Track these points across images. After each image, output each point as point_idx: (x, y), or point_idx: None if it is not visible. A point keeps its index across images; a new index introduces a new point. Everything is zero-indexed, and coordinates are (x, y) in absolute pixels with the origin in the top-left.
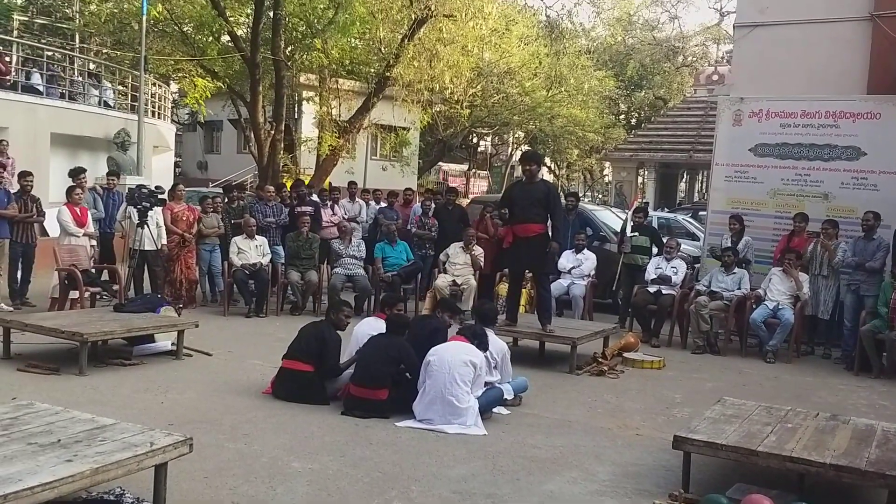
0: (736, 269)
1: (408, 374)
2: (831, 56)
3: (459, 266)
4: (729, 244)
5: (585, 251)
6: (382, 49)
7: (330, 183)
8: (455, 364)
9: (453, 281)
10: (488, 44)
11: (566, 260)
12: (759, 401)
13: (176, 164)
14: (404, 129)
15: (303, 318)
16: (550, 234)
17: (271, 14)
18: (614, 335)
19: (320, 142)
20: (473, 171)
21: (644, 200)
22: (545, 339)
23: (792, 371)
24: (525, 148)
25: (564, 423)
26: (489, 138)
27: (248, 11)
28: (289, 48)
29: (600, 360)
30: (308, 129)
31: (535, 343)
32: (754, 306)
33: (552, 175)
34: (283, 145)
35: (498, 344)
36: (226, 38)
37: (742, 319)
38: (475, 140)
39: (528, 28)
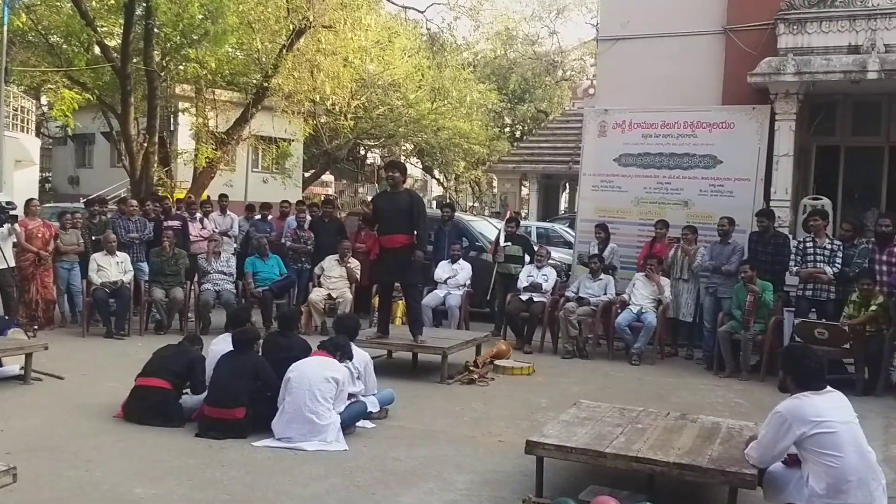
0: (602, 276)
1: (268, 393)
2: (689, 68)
3: (335, 279)
4: (595, 252)
5: (461, 261)
6: (261, 59)
7: (208, 196)
8: (316, 380)
9: (328, 294)
10: (371, 56)
11: (442, 270)
12: (623, 402)
13: (46, 180)
14: (285, 140)
15: (168, 338)
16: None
17: (145, 24)
18: (487, 343)
19: (197, 154)
20: (362, 182)
21: (516, 211)
22: (416, 349)
23: (655, 372)
24: (414, 160)
25: (429, 433)
26: (377, 151)
27: (120, 21)
28: (165, 58)
29: (472, 368)
30: (185, 141)
31: (409, 354)
32: (619, 311)
33: (441, 187)
34: (157, 158)
35: (360, 354)
36: (96, 48)
37: (608, 324)
38: (363, 152)
39: (410, 40)
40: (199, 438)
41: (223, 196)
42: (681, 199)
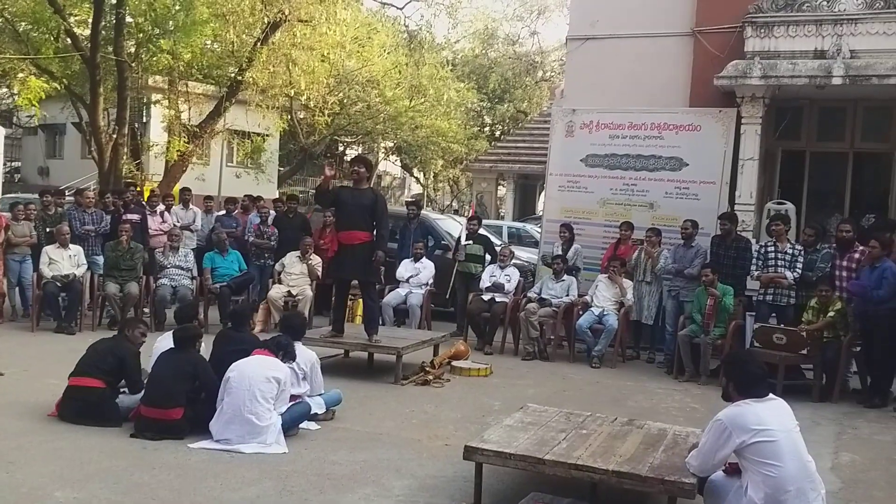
0: (565, 277)
1: (203, 392)
2: (657, 70)
3: (295, 276)
4: (559, 252)
5: (424, 260)
6: (235, 52)
7: (180, 190)
8: (256, 380)
9: (288, 292)
10: (349, 52)
11: (404, 269)
12: (579, 405)
13: (15, 170)
14: (259, 135)
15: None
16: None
17: (115, 13)
18: (445, 344)
19: (168, 147)
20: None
21: (479, 209)
22: (370, 349)
23: (615, 375)
24: (394, 158)
25: (374, 436)
26: (357, 147)
27: (90, 9)
28: (138, 49)
29: (428, 369)
30: (157, 133)
31: (366, 354)
32: (581, 312)
33: (420, 185)
34: (126, 150)
35: (306, 354)
36: (65, 37)
37: (570, 326)
38: (341, 149)
39: (389, 37)
40: (133, 439)
41: (185, 190)
42: (646, 201)
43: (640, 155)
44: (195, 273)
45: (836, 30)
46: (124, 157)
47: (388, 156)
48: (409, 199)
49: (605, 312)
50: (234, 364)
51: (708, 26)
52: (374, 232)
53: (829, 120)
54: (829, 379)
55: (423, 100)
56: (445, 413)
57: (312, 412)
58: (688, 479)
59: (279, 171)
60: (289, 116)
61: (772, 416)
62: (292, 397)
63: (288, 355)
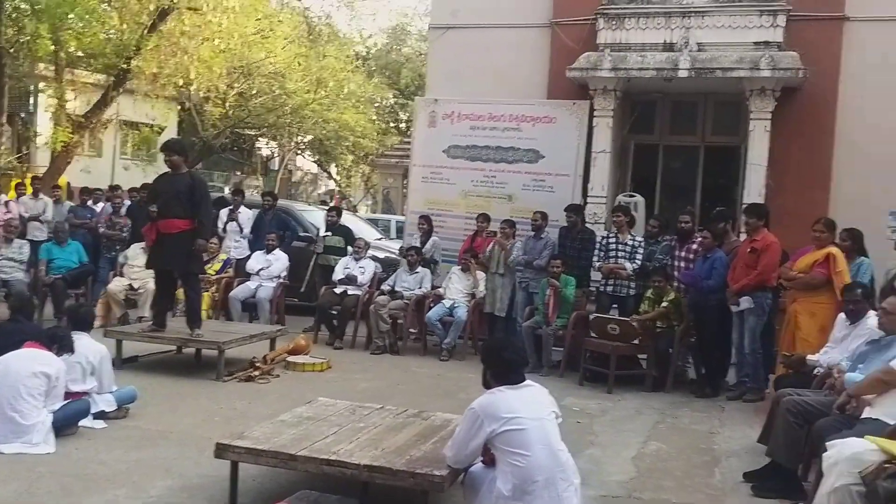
0: (419, 269)
1: None
2: (517, 61)
3: (138, 269)
4: (417, 244)
5: (276, 252)
6: (122, 40)
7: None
8: (22, 375)
9: (129, 285)
10: (251, 42)
11: (255, 261)
12: (407, 399)
13: None
14: (151, 126)
15: None
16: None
17: None
18: (283, 338)
19: (53, 137)
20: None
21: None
22: (189, 344)
23: (460, 368)
24: (308, 154)
25: (163, 434)
26: (271, 143)
27: None
28: (21, 35)
29: (258, 364)
30: (45, 123)
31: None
32: (432, 305)
33: (332, 180)
34: (8, 139)
35: (94, 348)
36: None
37: (423, 318)
38: (246, 143)
39: (292, 29)
40: None
41: (36, 178)
42: (505, 193)
43: (500, 147)
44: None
45: (684, 22)
46: (2, 147)
47: (301, 151)
48: (265, 191)
49: (456, 304)
50: (0, 358)
51: (565, 18)
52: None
53: (681, 114)
54: (662, 369)
55: (325, 93)
56: (257, 410)
57: (100, 410)
58: (439, 471)
59: None
60: (184, 107)
61: (524, 404)
62: (75, 394)
63: (64, 347)
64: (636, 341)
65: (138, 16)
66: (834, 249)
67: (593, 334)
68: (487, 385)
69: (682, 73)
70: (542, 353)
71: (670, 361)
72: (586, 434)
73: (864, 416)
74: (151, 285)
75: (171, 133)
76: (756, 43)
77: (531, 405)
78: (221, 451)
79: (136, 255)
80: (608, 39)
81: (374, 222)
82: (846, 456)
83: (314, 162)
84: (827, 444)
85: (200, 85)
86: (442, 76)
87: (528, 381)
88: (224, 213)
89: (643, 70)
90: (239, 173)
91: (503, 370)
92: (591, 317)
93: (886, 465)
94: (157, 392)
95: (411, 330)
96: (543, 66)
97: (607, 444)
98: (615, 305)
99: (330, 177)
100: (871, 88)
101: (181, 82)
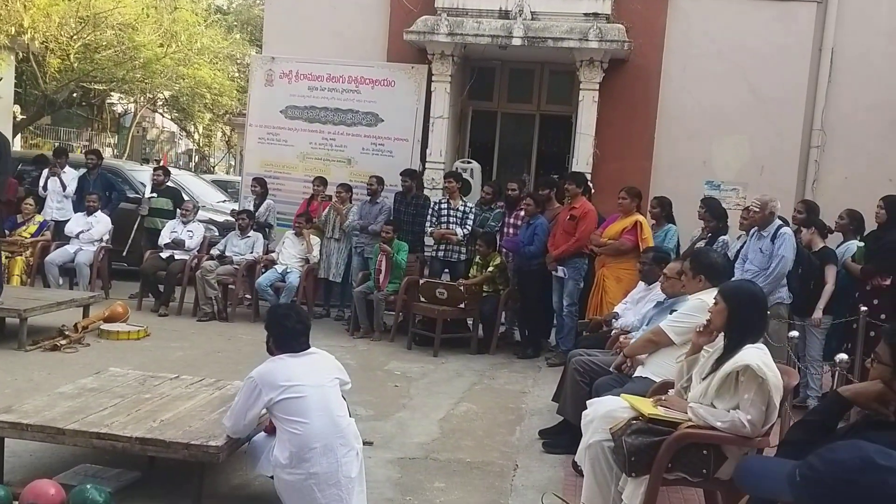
0: (251, 233)
1: None
2: (355, 21)
3: None
4: (251, 207)
5: (98, 213)
6: None
7: None
8: None
9: None
10: None
11: (75, 223)
12: (221, 367)
13: None
14: None
15: None
16: None
17: None
18: (100, 304)
19: None
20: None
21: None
22: None
23: None
24: (164, 111)
25: None
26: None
27: None
28: None
29: (67, 332)
30: None
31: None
32: (264, 270)
33: (191, 140)
34: None
35: None
36: None
37: (254, 284)
38: (96, 98)
39: None
40: None
41: None
42: (344, 157)
43: (339, 109)
44: None
45: None
46: None
47: (156, 108)
48: (90, 149)
49: (288, 270)
50: None
51: None
52: None
53: (518, 82)
54: (486, 331)
55: (176, 47)
56: (54, 381)
57: None
58: (214, 442)
59: (20, 117)
60: (24, 58)
61: (305, 371)
62: None
63: None
64: (463, 305)
65: None
66: (640, 217)
67: (423, 299)
68: (271, 352)
69: (516, 42)
70: (373, 318)
71: (494, 324)
72: (401, 398)
73: (636, 374)
74: None
75: (8, 84)
76: (586, 14)
77: (312, 372)
78: None
79: None
80: (446, 4)
81: (223, 184)
82: (601, 414)
83: (171, 120)
84: (587, 402)
85: (37, 34)
86: (279, 33)
87: (312, 349)
88: (45, 172)
89: (479, 36)
90: (90, 130)
91: (285, 338)
92: (421, 281)
93: (633, 422)
94: None
95: (247, 296)
96: (383, 27)
97: (418, 406)
98: (447, 270)
99: (188, 136)
100: (693, 61)
101: (12, 31)
